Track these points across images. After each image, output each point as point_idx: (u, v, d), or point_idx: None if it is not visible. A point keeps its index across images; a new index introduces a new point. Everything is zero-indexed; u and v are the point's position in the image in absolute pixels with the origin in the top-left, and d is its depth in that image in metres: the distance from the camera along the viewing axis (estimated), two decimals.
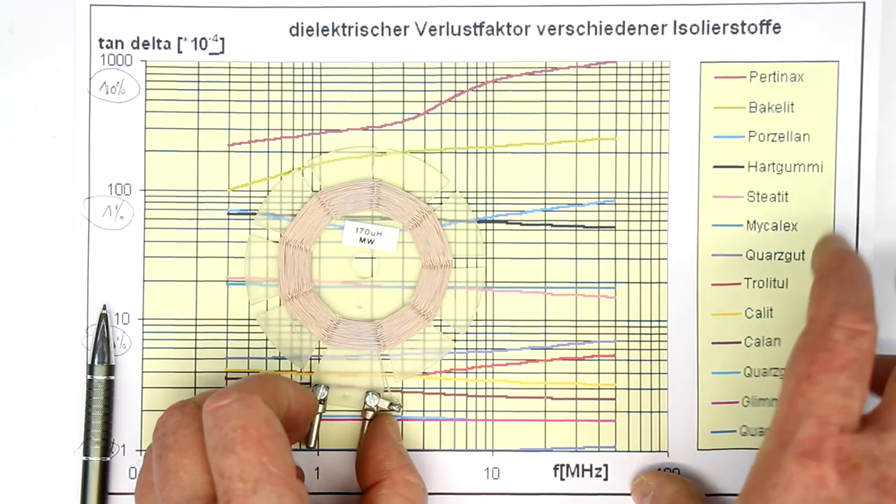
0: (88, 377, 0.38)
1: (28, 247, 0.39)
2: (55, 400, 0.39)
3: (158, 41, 0.39)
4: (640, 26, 0.39)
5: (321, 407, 0.39)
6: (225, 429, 0.31)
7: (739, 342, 0.39)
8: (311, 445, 0.39)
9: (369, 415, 0.39)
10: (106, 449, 0.38)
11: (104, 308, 0.39)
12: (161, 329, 0.39)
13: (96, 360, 0.38)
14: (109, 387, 0.38)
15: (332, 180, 0.39)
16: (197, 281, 0.39)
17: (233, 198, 0.39)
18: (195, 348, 0.39)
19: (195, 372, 0.39)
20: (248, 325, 0.39)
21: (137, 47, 0.39)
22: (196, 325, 0.39)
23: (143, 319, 0.39)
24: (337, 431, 0.39)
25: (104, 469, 0.38)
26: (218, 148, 0.39)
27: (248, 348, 0.39)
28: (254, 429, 0.31)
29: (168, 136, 0.39)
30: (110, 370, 0.39)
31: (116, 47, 0.39)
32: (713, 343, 0.39)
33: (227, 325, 0.39)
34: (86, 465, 0.38)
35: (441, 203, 0.39)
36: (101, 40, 0.39)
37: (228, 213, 0.39)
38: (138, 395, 0.39)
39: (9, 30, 0.38)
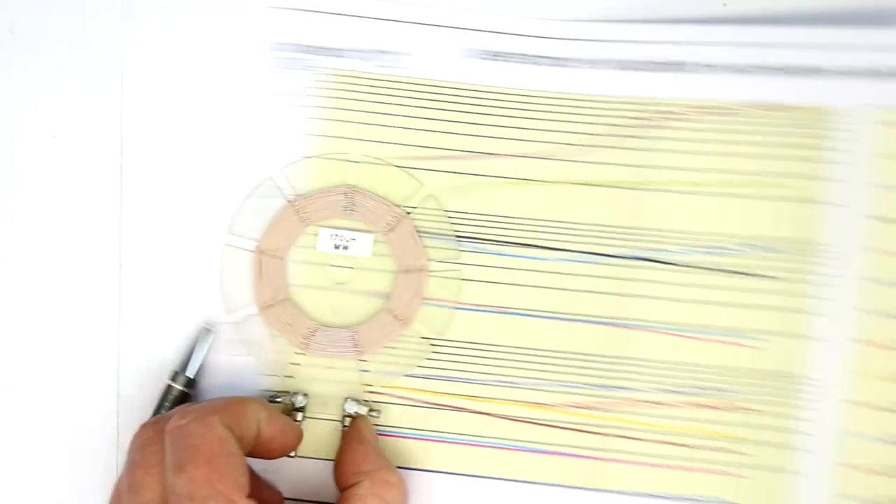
0: (168, 382, 0.38)
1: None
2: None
3: (330, 49, 0.39)
4: (803, 68, 0.37)
5: (300, 415, 0.39)
6: (179, 448, 0.32)
7: (894, 411, 0.37)
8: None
9: (348, 421, 0.39)
10: None
11: (214, 324, 0.39)
12: None
13: (183, 370, 0.38)
14: (183, 398, 0.38)
15: (306, 187, 0.39)
16: None
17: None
18: None
19: None
20: None
21: (310, 53, 0.39)
22: None
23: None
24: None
25: None
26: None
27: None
28: (206, 448, 0.32)
29: (326, 143, 0.39)
30: (190, 383, 0.38)
31: (290, 51, 0.39)
32: (860, 405, 0.37)
33: None
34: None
35: (415, 208, 0.39)
36: (275, 43, 0.39)
37: None
38: None
39: (9, 30, 0.39)
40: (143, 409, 0.39)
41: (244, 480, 0.32)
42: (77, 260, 0.39)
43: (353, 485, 0.36)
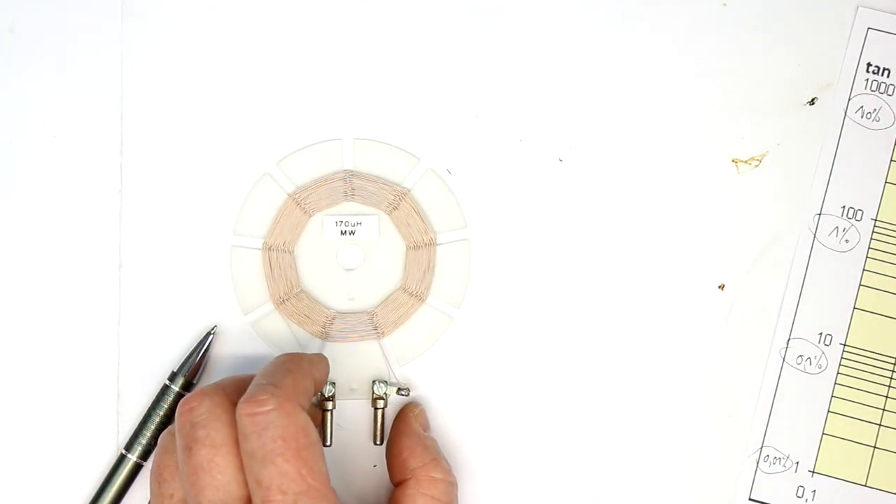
0: (166, 382, 0.38)
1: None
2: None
3: None
4: None
5: (331, 404, 0.38)
6: (264, 438, 0.31)
7: None
8: (327, 444, 0.38)
9: (380, 403, 0.38)
10: (146, 454, 0.38)
11: (215, 327, 0.38)
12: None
13: (180, 371, 0.38)
14: (179, 400, 0.37)
15: (304, 178, 0.39)
16: None
17: None
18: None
19: None
20: None
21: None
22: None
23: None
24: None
25: (135, 470, 0.38)
26: None
27: None
28: (293, 440, 0.31)
29: None
30: (188, 386, 0.38)
31: (882, 75, 0.39)
32: None
33: None
34: (121, 458, 0.38)
35: (416, 183, 0.40)
36: (868, 65, 0.39)
37: None
38: None
39: (9, 30, 0.38)
40: (143, 409, 0.38)
41: (326, 468, 0.32)
42: (77, 260, 0.38)
43: (401, 482, 0.36)
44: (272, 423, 0.31)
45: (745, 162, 0.40)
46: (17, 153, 0.38)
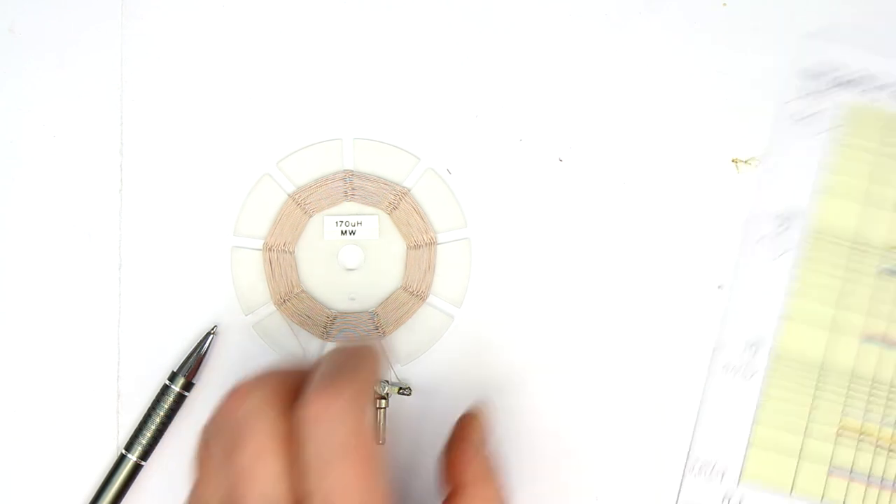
0: (166, 382, 0.38)
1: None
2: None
3: (853, 83, 0.39)
4: None
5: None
6: (330, 443, 0.29)
7: None
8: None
9: (381, 403, 0.38)
10: (146, 454, 0.38)
11: (215, 326, 0.38)
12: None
13: (180, 371, 0.38)
14: (179, 400, 0.38)
15: (304, 178, 0.39)
16: None
17: (887, 256, 0.39)
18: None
19: None
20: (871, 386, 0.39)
21: (836, 87, 0.39)
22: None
23: None
24: None
25: (135, 470, 0.38)
26: None
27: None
28: (363, 448, 0.29)
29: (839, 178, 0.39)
30: (188, 386, 0.38)
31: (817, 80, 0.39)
32: None
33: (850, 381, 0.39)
34: (121, 458, 0.38)
35: (416, 183, 0.40)
36: (804, 70, 0.39)
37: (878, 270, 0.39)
38: None
39: (9, 30, 0.38)
40: (143, 409, 0.38)
41: (387, 479, 0.30)
42: (77, 260, 0.39)
43: (451, 494, 0.34)
44: (339, 429, 0.29)
45: (746, 162, 0.40)
46: (17, 153, 0.39)
